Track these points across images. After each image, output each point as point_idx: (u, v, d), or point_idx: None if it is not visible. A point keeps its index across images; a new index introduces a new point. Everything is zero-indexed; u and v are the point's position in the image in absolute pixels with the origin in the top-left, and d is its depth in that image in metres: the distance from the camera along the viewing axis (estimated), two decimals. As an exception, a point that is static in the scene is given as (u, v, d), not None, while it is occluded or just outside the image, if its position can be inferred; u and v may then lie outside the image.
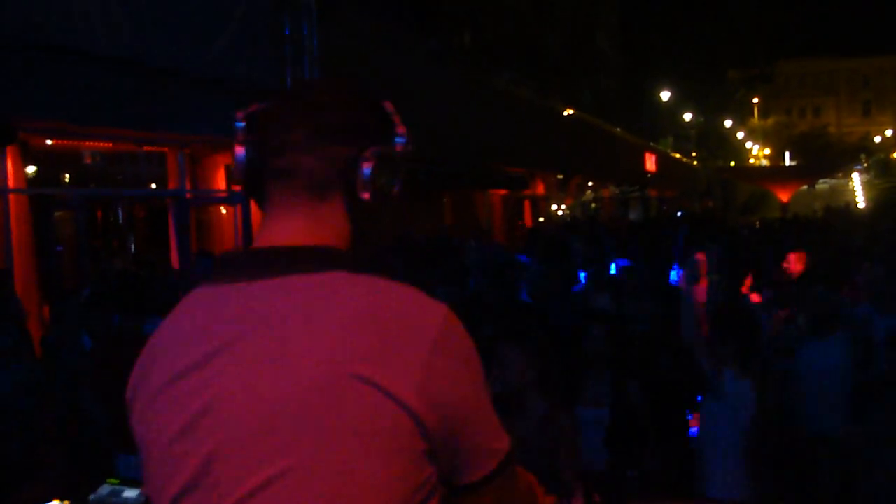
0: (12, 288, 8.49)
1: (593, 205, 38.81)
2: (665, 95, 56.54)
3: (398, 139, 1.65)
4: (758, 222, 31.48)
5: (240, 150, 1.63)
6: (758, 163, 78.50)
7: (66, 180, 14.09)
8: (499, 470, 1.57)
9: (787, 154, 79.09)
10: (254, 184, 1.63)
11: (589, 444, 5.42)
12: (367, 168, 1.58)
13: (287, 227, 1.58)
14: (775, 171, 66.74)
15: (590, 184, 36.70)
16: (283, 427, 1.41)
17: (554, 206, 32.73)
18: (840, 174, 70.30)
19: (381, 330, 1.45)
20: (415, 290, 1.54)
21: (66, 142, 11.27)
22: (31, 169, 10.77)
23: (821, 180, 65.51)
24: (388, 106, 1.69)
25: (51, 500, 2.91)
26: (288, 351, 1.44)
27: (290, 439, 1.40)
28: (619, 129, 39.91)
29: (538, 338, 4.99)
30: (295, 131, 1.58)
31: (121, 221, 15.51)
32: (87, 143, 11.60)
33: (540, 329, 7.36)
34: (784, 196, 48.59)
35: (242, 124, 1.64)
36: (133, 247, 15.14)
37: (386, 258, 1.69)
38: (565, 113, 30.05)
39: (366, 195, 1.59)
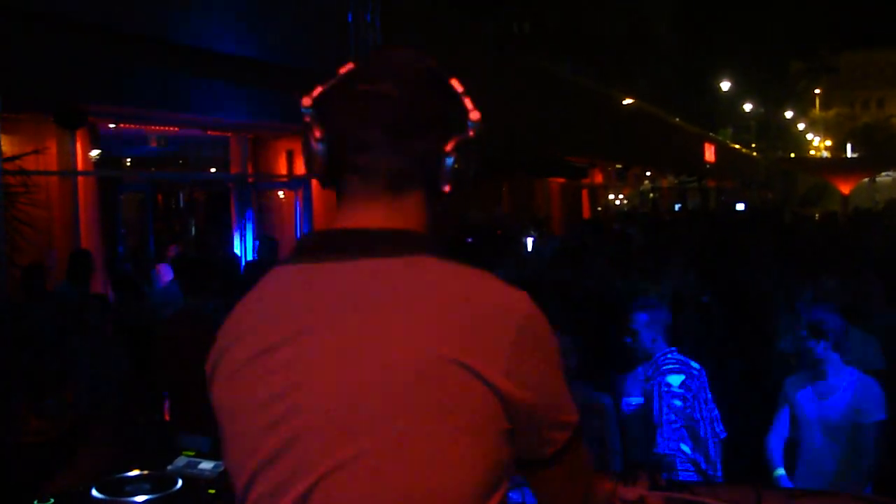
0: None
1: (651, 195, 38.54)
2: (725, 85, 55.93)
3: (471, 124, 1.62)
4: (817, 215, 31.06)
5: (318, 147, 1.60)
6: (818, 154, 77.42)
7: (130, 164, 14.29)
8: (569, 443, 1.60)
9: (848, 146, 77.88)
10: (331, 176, 1.62)
11: (638, 432, 5.45)
12: (449, 161, 1.58)
13: (367, 215, 1.58)
14: (836, 163, 65.76)
15: (648, 174, 36.47)
16: (370, 406, 1.42)
17: (612, 196, 32.59)
18: (903, 167, 69.06)
19: (470, 314, 1.46)
20: (496, 277, 1.54)
21: (132, 126, 11.43)
22: (97, 152, 10.94)
23: (883, 173, 64.45)
24: (457, 85, 1.65)
25: (130, 469, 2.97)
26: (378, 331, 1.45)
27: (378, 418, 1.41)
28: (678, 119, 39.59)
29: (583, 325, 4.99)
30: (372, 129, 1.56)
31: (182, 205, 15.69)
32: (152, 126, 11.75)
33: (591, 317, 7.41)
34: (845, 188, 47.92)
35: (310, 109, 1.61)
36: (194, 230, 15.30)
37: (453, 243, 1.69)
38: (625, 102, 29.85)
39: (447, 188, 1.60)
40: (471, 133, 1.61)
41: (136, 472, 2.94)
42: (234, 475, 1.57)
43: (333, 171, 1.61)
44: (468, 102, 1.63)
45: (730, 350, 6.76)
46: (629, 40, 39.04)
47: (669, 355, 5.32)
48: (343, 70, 1.65)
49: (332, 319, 1.48)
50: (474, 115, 1.62)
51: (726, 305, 7.57)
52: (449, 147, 1.58)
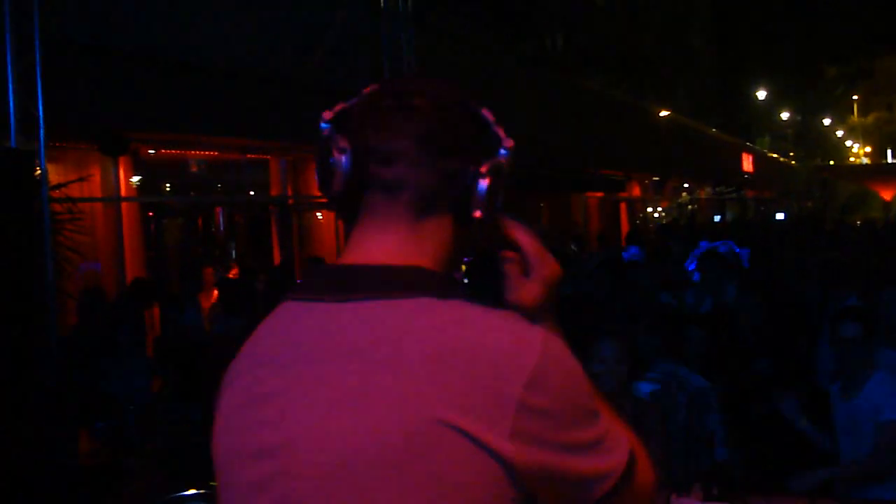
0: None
1: (690, 207, 38.36)
2: (761, 94, 55.61)
3: (504, 151, 1.51)
4: (859, 222, 30.77)
5: (341, 158, 1.46)
6: (858, 161, 76.64)
7: (170, 188, 14.45)
8: (615, 490, 1.43)
9: (888, 152, 77.11)
10: (352, 194, 1.49)
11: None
12: (483, 184, 1.47)
13: (383, 243, 1.47)
14: (877, 170, 65.11)
15: (686, 185, 36.31)
16: (360, 473, 1.30)
17: (650, 209, 32.47)
18: (946, 171, 68.24)
19: (471, 368, 1.32)
20: (509, 317, 1.41)
21: (173, 151, 11.57)
22: (139, 178, 11.08)
23: (925, 177, 63.75)
24: (488, 115, 1.55)
25: (186, 489, 3.01)
26: (370, 389, 1.32)
27: (368, 487, 1.30)
28: (714, 129, 39.42)
29: (630, 334, 5.01)
30: (403, 140, 1.44)
31: (222, 228, 15.81)
32: (193, 151, 11.89)
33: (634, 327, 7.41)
34: (887, 195, 47.46)
35: (328, 125, 1.49)
36: (234, 253, 15.40)
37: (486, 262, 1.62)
38: (660, 114, 29.78)
39: (478, 213, 1.48)
40: (503, 161, 1.51)
41: (193, 491, 2.97)
42: None
43: (354, 188, 1.48)
44: (500, 131, 1.54)
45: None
46: (663, 52, 38.95)
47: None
48: (367, 90, 1.56)
49: (323, 370, 1.38)
50: (507, 143, 1.52)
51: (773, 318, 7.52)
52: (484, 169, 1.47)
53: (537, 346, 1.35)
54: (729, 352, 6.49)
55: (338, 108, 1.52)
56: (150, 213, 11.90)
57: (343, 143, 1.46)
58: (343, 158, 1.46)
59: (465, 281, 1.73)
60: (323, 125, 1.49)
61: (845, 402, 5.08)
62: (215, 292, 9.67)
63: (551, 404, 1.34)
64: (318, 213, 14.76)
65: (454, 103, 1.52)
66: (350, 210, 1.51)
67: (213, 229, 15.35)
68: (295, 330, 1.45)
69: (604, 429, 1.43)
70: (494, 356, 1.32)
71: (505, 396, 1.30)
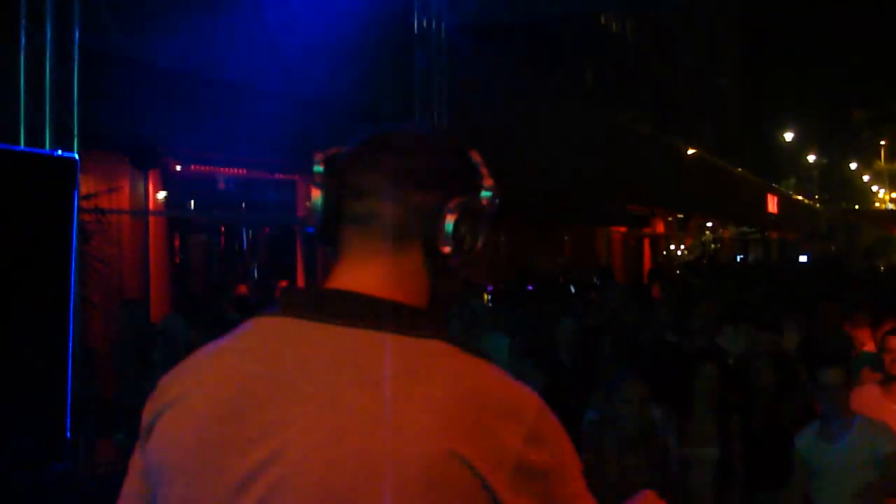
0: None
1: (713, 245, 38.27)
2: (788, 135, 55.57)
3: (485, 192, 1.52)
4: (882, 266, 30.64)
5: (316, 193, 1.50)
6: (883, 206, 76.36)
7: (197, 204, 14.51)
8: None
9: (914, 198, 76.88)
10: (329, 228, 1.52)
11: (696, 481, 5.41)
12: (449, 220, 1.47)
13: (365, 275, 1.48)
14: (902, 216, 64.96)
15: (709, 224, 36.24)
16: (369, 497, 1.32)
17: (672, 246, 32.41)
18: (972, 220, 67.94)
19: (479, 411, 1.35)
20: (508, 375, 1.44)
21: (202, 167, 11.62)
22: (166, 193, 11.13)
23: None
24: (475, 156, 1.55)
25: None
26: (388, 418, 1.34)
27: None
28: (740, 169, 39.37)
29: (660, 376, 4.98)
30: (374, 174, 1.48)
31: (246, 247, 15.85)
32: (222, 168, 11.94)
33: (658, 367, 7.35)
34: (911, 241, 47.22)
35: (321, 168, 1.51)
36: (256, 273, 15.43)
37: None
38: (687, 152, 29.76)
39: (446, 249, 1.48)
40: (483, 201, 1.52)
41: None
42: None
43: (330, 222, 1.51)
44: (485, 171, 1.54)
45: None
46: (692, 90, 39.01)
47: None
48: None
49: (328, 390, 1.37)
50: (488, 182, 1.53)
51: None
52: (452, 204, 1.47)
53: (535, 404, 1.40)
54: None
55: (331, 151, 1.54)
56: (176, 228, 11.95)
57: (320, 180, 1.50)
58: (316, 194, 1.50)
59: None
60: (315, 168, 1.52)
61: (830, 444, 5.08)
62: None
63: (547, 459, 1.38)
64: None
65: (434, 143, 1.55)
66: (330, 243, 1.53)
67: (237, 247, 15.40)
68: (288, 345, 1.44)
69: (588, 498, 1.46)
70: (501, 404, 1.37)
71: (508, 442, 1.34)
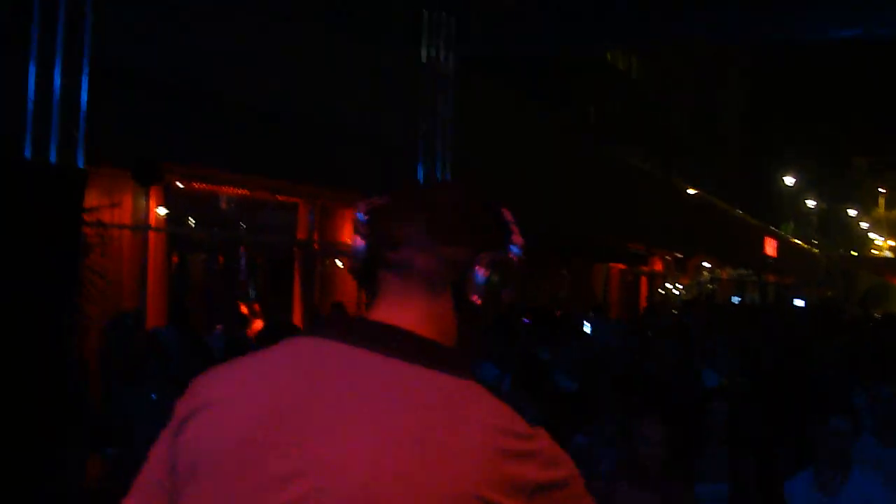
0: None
1: (710, 286, 38.27)
2: (788, 179, 55.71)
3: (513, 247, 1.66)
4: (877, 315, 30.67)
5: (359, 242, 1.65)
6: (881, 254, 76.45)
7: (197, 223, 14.49)
8: None
9: (912, 248, 77.02)
10: (368, 272, 1.66)
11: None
12: (480, 274, 1.60)
13: (402, 314, 1.60)
14: (900, 264, 65.05)
15: (706, 265, 36.26)
16: None
17: (669, 285, 32.40)
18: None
19: (507, 457, 1.46)
20: (523, 418, 1.56)
21: (204, 185, 11.62)
22: (168, 209, 11.11)
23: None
24: (507, 214, 1.70)
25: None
26: (420, 444, 1.44)
27: None
28: (740, 211, 39.44)
29: (673, 414, 4.96)
30: (408, 227, 1.61)
31: (243, 266, 15.81)
32: (224, 188, 11.94)
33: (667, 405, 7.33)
34: (908, 290, 47.27)
35: (364, 217, 1.66)
36: (252, 293, 15.39)
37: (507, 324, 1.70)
38: (688, 191, 29.81)
39: (475, 298, 1.61)
40: (511, 256, 1.64)
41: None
42: None
43: (369, 267, 1.65)
44: (514, 229, 1.68)
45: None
46: (693, 130, 39.14)
47: None
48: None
49: (370, 412, 1.46)
50: (517, 240, 1.66)
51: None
52: (484, 260, 1.61)
53: (547, 438, 1.53)
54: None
55: (374, 202, 1.68)
56: (175, 245, 11.92)
57: (363, 230, 1.65)
58: (359, 240, 1.65)
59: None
60: (359, 216, 1.67)
61: (824, 497, 4.99)
62: (255, 325, 9.88)
63: (564, 474, 1.52)
64: (339, 262, 14.76)
65: (469, 200, 1.67)
66: (369, 285, 1.67)
67: (235, 267, 15.36)
68: (331, 364, 1.53)
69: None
70: (525, 451, 1.49)
71: (528, 481, 1.46)
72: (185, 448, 1.54)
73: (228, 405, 1.53)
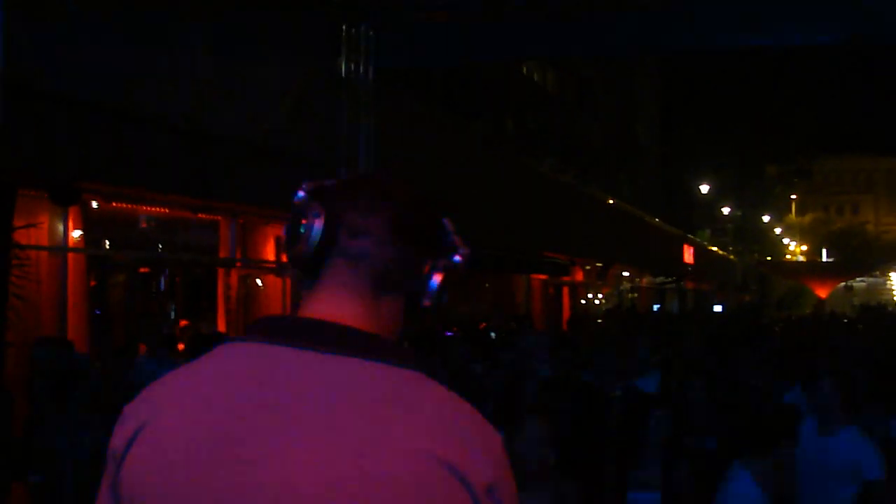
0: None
1: (630, 295, 38.70)
2: (703, 188, 56.66)
3: (457, 258, 1.66)
4: (793, 317, 31.39)
5: (314, 223, 1.57)
6: (794, 258, 78.18)
7: (117, 243, 14.25)
8: None
9: (824, 251, 78.85)
10: (318, 258, 1.59)
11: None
12: (436, 279, 1.62)
13: (343, 308, 1.56)
14: (813, 268, 66.56)
15: (625, 274, 36.68)
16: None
17: (590, 294, 32.68)
18: (878, 272, 69.91)
19: (462, 434, 1.46)
20: (475, 408, 1.56)
21: (123, 205, 11.43)
22: (86, 230, 10.90)
23: (858, 278, 65.13)
24: (449, 223, 1.69)
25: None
26: (381, 439, 1.41)
27: None
28: (657, 220, 40.00)
29: (563, 415, 4.94)
30: (374, 219, 1.58)
31: (163, 287, 15.59)
32: (143, 207, 11.76)
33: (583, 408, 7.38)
34: (822, 293, 48.35)
35: (304, 195, 1.61)
36: (173, 314, 15.18)
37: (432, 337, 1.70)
38: (608, 202, 30.14)
39: (427, 303, 1.63)
40: (458, 265, 1.65)
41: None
42: None
43: (320, 253, 1.58)
44: (458, 239, 1.68)
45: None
46: (609, 141, 39.63)
47: None
48: (347, 177, 1.72)
49: (321, 413, 1.43)
50: (464, 251, 1.66)
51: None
52: (441, 265, 1.62)
53: (500, 437, 1.53)
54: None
55: (319, 184, 1.64)
56: (94, 267, 11.70)
57: (318, 210, 1.57)
58: (316, 223, 1.57)
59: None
60: (300, 193, 1.61)
61: (819, 438, 5.31)
62: (180, 346, 9.75)
63: (509, 482, 1.50)
64: (259, 280, 14.63)
65: (425, 204, 1.66)
66: (311, 273, 1.60)
67: (154, 287, 15.14)
68: (268, 369, 1.47)
69: None
70: (478, 430, 1.49)
71: (484, 464, 1.45)
72: (130, 481, 1.47)
73: (166, 426, 1.46)
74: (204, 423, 1.44)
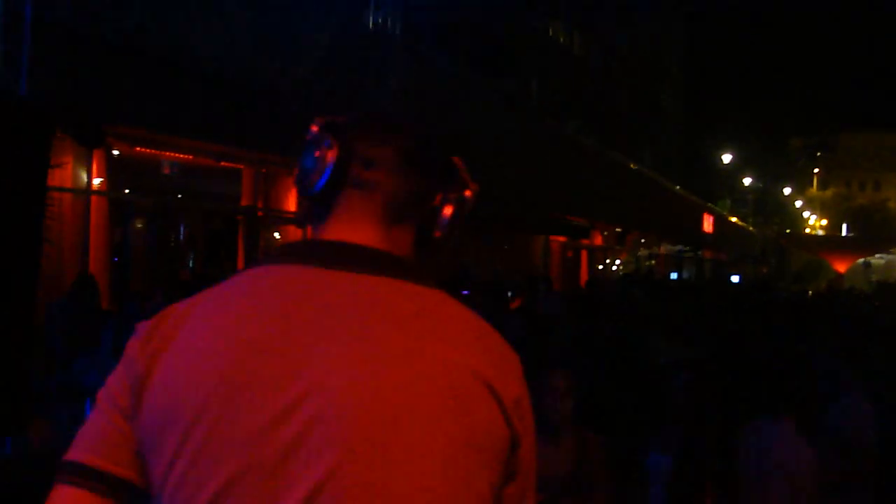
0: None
1: (648, 262, 38.62)
2: (726, 157, 56.35)
3: (469, 193, 1.69)
4: (811, 291, 31.30)
5: (328, 154, 1.59)
6: (814, 232, 77.78)
7: (140, 188, 14.27)
8: None
9: (844, 226, 78.42)
10: (332, 192, 1.61)
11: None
12: (448, 209, 1.64)
13: (359, 234, 1.58)
14: (832, 242, 66.20)
15: (643, 241, 36.59)
16: (405, 423, 1.38)
17: (608, 259, 32.65)
18: (897, 249, 69.54)
19: (490, 349, 1.50)
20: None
21: (148, 150, 11.43)
22: (110, 173, 10.92)
23: (877, 255, 64.83)
24: (458, 161, 1.71)
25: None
26: (418, 351, 1.42)
27: (415, 439, 1.38)
28: (678, 188, 39.81)
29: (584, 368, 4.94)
30: (385, 150, 1.60)
31: (182, 235, 15.64)
32: (167, 153, 11.76)
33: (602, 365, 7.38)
34: (841, 268, 48.11)
35: (323, 133, 1.61)
36: (192, 261, 15.22)
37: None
38: (630, 167, 29.99)
39: (438, 234, 1.64)
40: (469, 201, 1.68)
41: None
42: (182, 482, 1.41)
43: (333, 186, 1.60)
44: (466, 177, 1.70)
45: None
46: (634, 107, 39.39)
47: None
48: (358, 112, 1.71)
49: (355, 328, 1.44)
50: (473, 187, 1.69)
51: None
52: (452, 196, 1.65)
53: (515, 354, 1.54)
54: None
55: (330, 118, 1.65)
56: (117, 211, 11.74)
57: (331, 142, 1.59)
58: (329, 154, 1.59)
59: None
60: (312, 129, 1.63)
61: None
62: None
63: (528, 400, 1.52)
64: (278, 233, 14.65)
65: (434, 138, 1.68)
66: (322, 204, 1.62)
67: (174, 234, 15.19)
68: (301, 289, 1.48)
69: None
70: (504, 349, 1.53)
71: (512, 382, 1.48)
72: (154, 395, 1.44)
73: (196, 344, 1.45)
74: (238, 340, 1.43)
